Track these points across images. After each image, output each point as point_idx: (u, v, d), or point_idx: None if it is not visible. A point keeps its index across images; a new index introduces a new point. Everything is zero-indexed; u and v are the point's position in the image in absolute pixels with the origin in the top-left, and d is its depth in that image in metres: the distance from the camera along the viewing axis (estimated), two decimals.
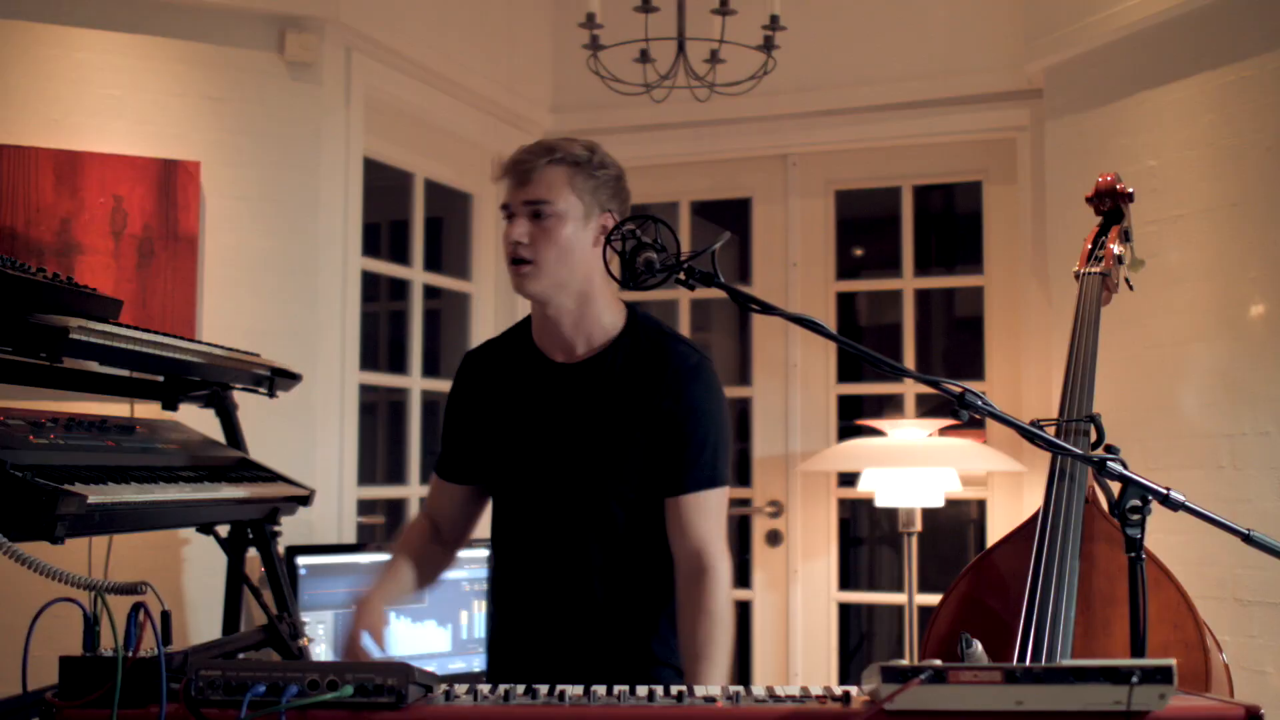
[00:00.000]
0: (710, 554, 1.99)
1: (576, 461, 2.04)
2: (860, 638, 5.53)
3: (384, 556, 3.41)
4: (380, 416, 5.66)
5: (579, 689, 1.38)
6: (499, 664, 2.18)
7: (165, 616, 1.40)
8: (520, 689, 1.38)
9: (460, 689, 1.39)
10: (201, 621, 3.23)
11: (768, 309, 1.70)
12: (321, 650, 3.24)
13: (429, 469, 4.62)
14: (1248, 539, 1.50)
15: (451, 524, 2.22)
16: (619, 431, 2.03)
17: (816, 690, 1.38)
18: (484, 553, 3.60)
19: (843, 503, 4.49)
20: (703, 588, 1.97)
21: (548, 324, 2.08)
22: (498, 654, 2.20)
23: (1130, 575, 1.48)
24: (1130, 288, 2.60)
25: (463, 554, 3.54)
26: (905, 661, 1.28)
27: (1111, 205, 2.56)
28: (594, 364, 2.07)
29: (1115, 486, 1.49)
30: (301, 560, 3.25)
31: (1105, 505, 1.84)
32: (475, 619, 3.56)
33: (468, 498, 2.21)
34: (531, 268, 2.00)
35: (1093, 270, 2.43)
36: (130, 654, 1.31)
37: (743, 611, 4.74)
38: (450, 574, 3.53)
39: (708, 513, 2.01)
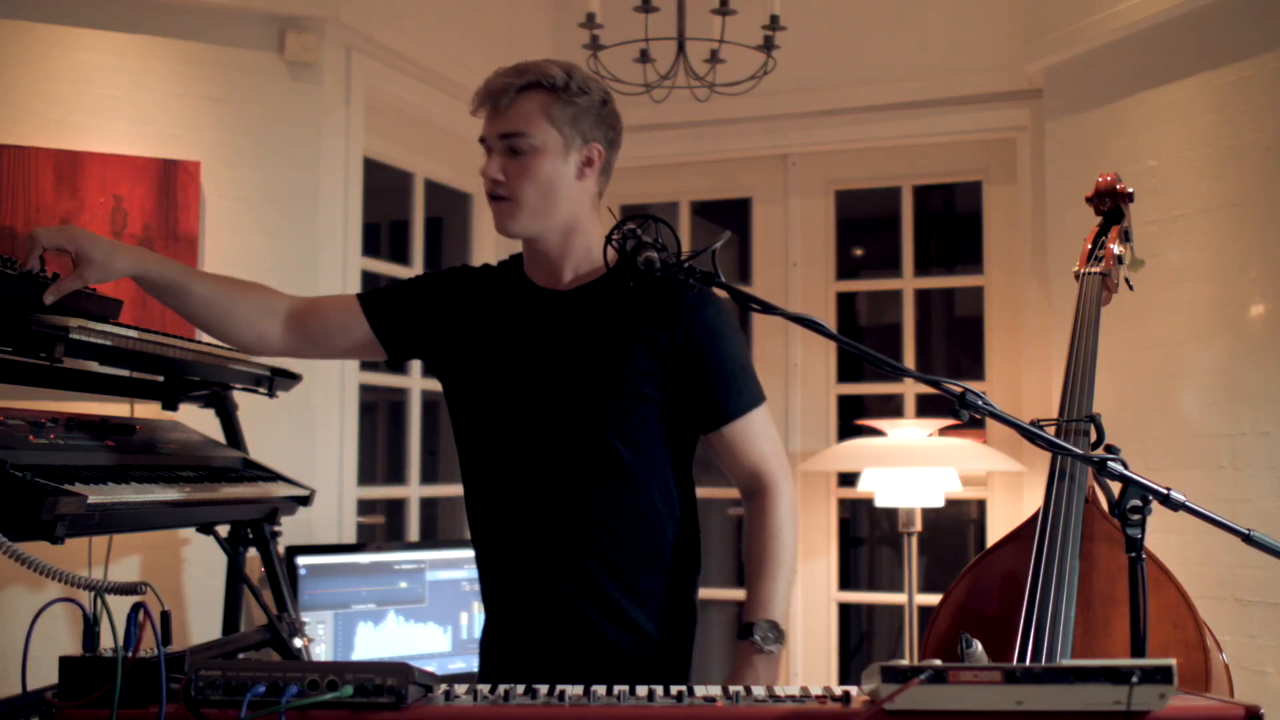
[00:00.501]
0: (768, 471, 1.93)
1: (569, 390, 1.89)
2: (860, 638, 5.53)
3: (383, 556, 3.42)
4: (380, 416, 5.66)
5: (579, 689, 1.38)
6: (494, 628, 2.01)
7: (165, 616, 1.40)
8: (520, 689, 1.38)
9: (460, 689, 1.39)
10: (201, 621, 3.23)
11: (768, 309, 1.70)
12: (321, 650, 3.24)
13: (429, 469, 4.63)
14: (1248, 539, 1.50)
15: (311, 322, 2.04)
16: (617, 359, 1.89)
17: (816, 690, 1.38)
18: None
19: (843, 503, 4.49)
20: (763, 505, 1.92)
21: (535, 253, 1.97)
22: (492, 615, 2.02)
23: (1130, 575, 1.49)
24: (1130, 288, 2.60)
25: (462, 554, 3.58)
26: (905, 661, 1.28)
27: (1111, 205, 2.56)
28: (586, 291, 1.94)
29: (1115, 486, 1.49)
30: (301, 560, 3.25)
31: (1105, 505, 1.84)
32: (475, 619, 3.56)
33: (356, 331, 2.03)
34: (510, 205, 1.89)
35: (1093, 270, 2.43)
36: (130, 654, 1.31)
37: (743, 611, 4.74)
38: (450, 574, 3.54)
39: (757, 434, 1.94)
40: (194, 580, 3.29)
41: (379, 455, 5.42)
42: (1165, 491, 1.47)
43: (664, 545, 1.94)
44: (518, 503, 1.92)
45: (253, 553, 2.88)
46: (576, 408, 1.89)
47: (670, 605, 1.94)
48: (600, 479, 1.89)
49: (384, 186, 4.21)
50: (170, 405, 2.79)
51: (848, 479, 4.32)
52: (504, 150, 1.90)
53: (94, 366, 2.51)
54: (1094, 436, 2.15)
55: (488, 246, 4.52)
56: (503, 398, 1.94)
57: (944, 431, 4.01)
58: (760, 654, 1.83)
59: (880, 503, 3.94)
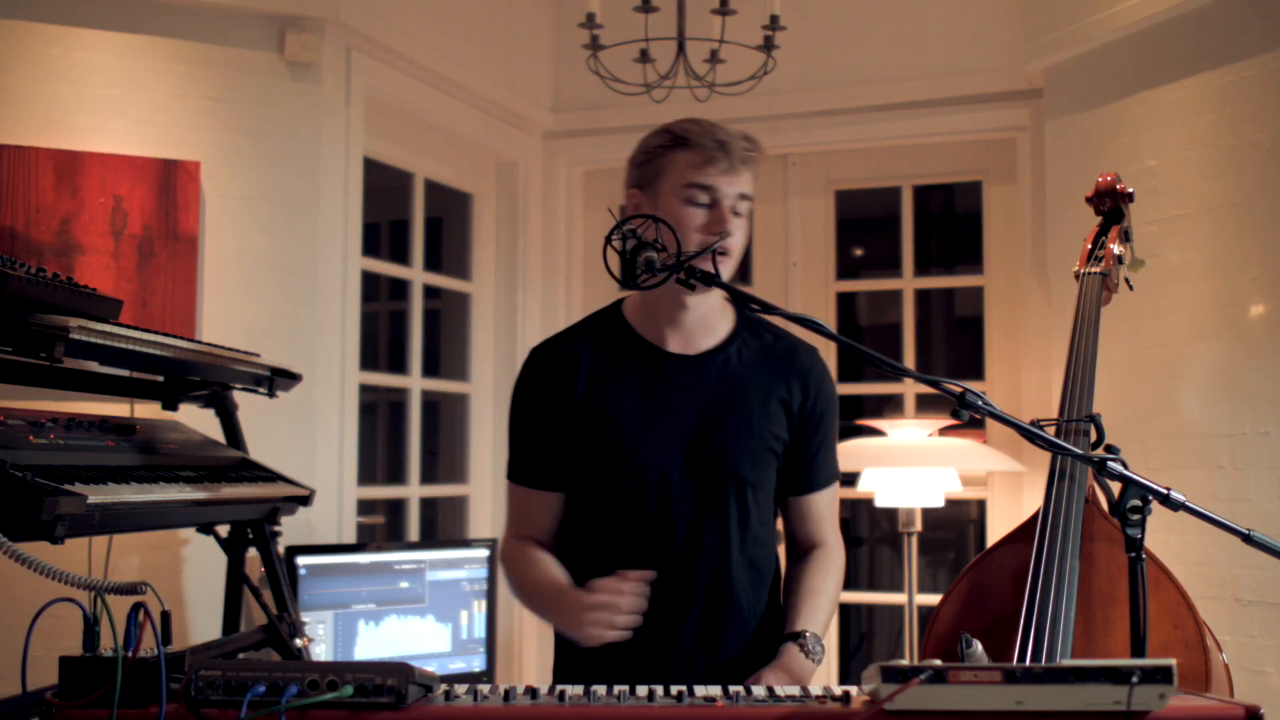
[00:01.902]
0: (832, 539, 2.07)
1: (708, 453, 1.95)
2: (860, 638, 5.53)
3: (383, 556, 3.42)
4: (380, 416, 5.66)
5: (579, 689, 1.38)
6: (589, 661, 1.92)
7: (165, 616, 1.40)
8: (520, 688, 1.38)
9: (460, 689, 1.39)
10: (201, 621, 3.23)
11: (768, 309, 1.70)
12: (321, 650, 3.24)
13: (429, 469, 4.63)
14: (1248, 539, 1.50)
15: (550, 540, 2.03)
16: (758, 421, 1.97)
17: (816, 690, 1.38)
18: (483, 553, 3.62)
19: (843, 503, 4.48)
20: (823, 555, 2.04)
21: (678, 315, 1.98)
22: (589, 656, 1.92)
23: (1130, 575, 1.49)
24: (1130, 288, 2.60)
25: (462, 554, 3.58)
26: (905, 661, 1.28)
27: (1111, 205, 2.56)
28: (719, 355, 2.00)
29: (1115, 486, 1.49)
30: (301, 560, 3.25)
31: (1105, 505, 1.84)
32: (475, 619, 3.56)
33: (559, 506, 2.03)
34: (726, 259, 1.91)
35: (1093, 270, 2.43)
36: (130, 654, 1.31)
37: None
38: (450, 574, 3.54)
39: (834, 505, 2.10)
40: (194, 580, 3.29)
41: (379, 455, 5.43)
42: (1165, 491, 1.47)
43: (771, 587, 2.05)
44: (658, 559, 1.94)
45: (253, 553, 2.88)
46: (722, 469, 1.96)
47: (770, 638, 1.99)
48: (739, 535, 1.98)
49: (384, 186, 4.21)
50: (170, 405, 2.79)
51: (848, 479, 4.31)
52: (732, 209, 1.92)
53: (94, 366, 2.51)
54: (1094, 436, 2.15)
55: (488, 246, 4.53)
56: (647, 458, 1.95)
57: (944, 431, 4.01)
58: (806, 658, 1.88)
59: (880, 503, 3.94)
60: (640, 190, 1.96)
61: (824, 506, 2.06)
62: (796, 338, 2.07)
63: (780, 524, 2.11)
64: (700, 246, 1.82)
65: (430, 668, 1.42)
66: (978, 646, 1.53)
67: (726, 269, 1.90)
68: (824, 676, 4.25)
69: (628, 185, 2.00)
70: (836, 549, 2.07)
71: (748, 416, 1.97)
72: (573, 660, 1.97)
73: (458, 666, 3.53)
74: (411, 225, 4.21)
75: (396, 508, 4.39)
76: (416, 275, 4.23)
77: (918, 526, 3.91)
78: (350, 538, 3.67)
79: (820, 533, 2.06)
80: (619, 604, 1.79)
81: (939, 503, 3.90)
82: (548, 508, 2.02)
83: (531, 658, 4.39)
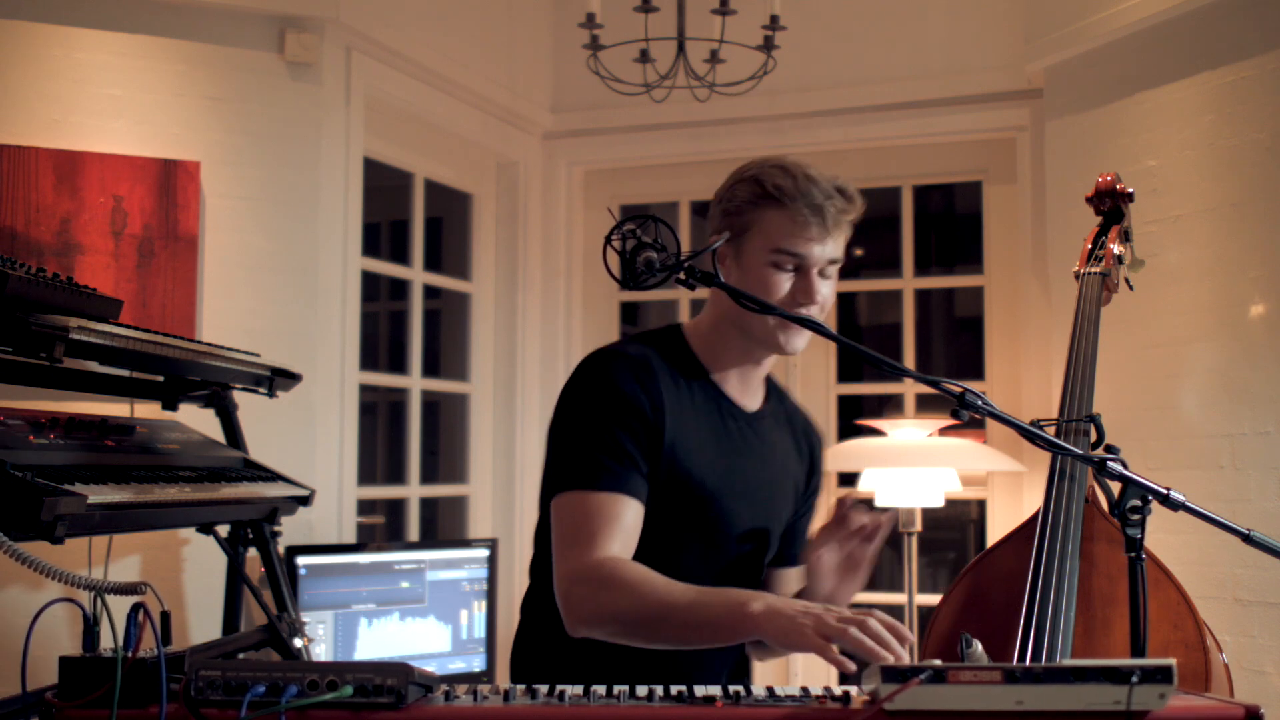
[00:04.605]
0: None
1: (760, 515, 1.94)
2: None
3: (383, 556, 3.42)
4: (380, 416, 5.67)
5: (579, 689, 1.38)
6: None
7: (165, 616, 1.40)
8: (520, 688, 1.38)
9: (460, 689, 1.39)
10: (201, 621, 3.23)
11: (767, 309, 1.70)
12: (321, 650, 3.24)
13: (429, 469, 4.63)
14: (1248, 539, 1.50)
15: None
16: (786, 491, 2.01)
17: (816, 690, 1.38)
18: (483, 553, 3.62)
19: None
20: None
21: (751, 369, 1.93)
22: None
23: (1130, 575, 1.49)
24: (1130, 288, 2.60)
25: (462, 554, 3.58)
26: (905, 661, 1.28)
27: (1111, 205, 2.56)
28: (768, 414, 1.99)
29: (1115, 486, 1.49)
30: (301, 560, 3.25)
31: (1105, 505, 1.84)
32: (475, 619, 3.56)
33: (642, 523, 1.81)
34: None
35: (1093, 270, 2.43)
36: (130, 654, 1.31)
37: None
38: (450, 574, 3.54)
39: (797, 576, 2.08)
40: (194, 580, 3.29)
41: (379, 455, 5.43)
42: (1165, 491, 1.47)
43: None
44: None
45: (253, 553, 2.88)
46: (766, 531, 1.96)
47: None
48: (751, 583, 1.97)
49: (384, 186, 4.21)
50: (170, 405, 2.79)
51: (848, 479, 4.32)
52: (821, 273, 1.84)
53: (94, 366, 2.51)
54: (1094, 436, 2.15)
55: (488, 246, 4.53)
56: (710, 505, 1.87)
57: (944, 431, 4.01)
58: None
59: (880, 503, 3.94)
60: (728, 242, 1.86)
61: (791, 582, 2.08)
62: (804, 410, 2.11)
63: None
64: (788, 307, 1.76)
65: (430, 668, 1.42)
66: (978, 646, 1.53)
67: (805, 335, 1.83)
68: (824, 677, 4.25)
69: (714, 228, 1.90)
70: None
71: (782, 487, 2.00)
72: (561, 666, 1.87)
73: (458, 666, 3.53)
74: (411, 225, 4.21)
75: (396, 508, 4.38)
76: (416, 275, 4.23)
77: (918, 526, 3.91)
78: (350, 538, 3.67)
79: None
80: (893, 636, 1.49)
81: (939, 503, 3.89)
82: (638, 521, 1.77)
83: None
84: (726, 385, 1.92)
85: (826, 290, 1.84)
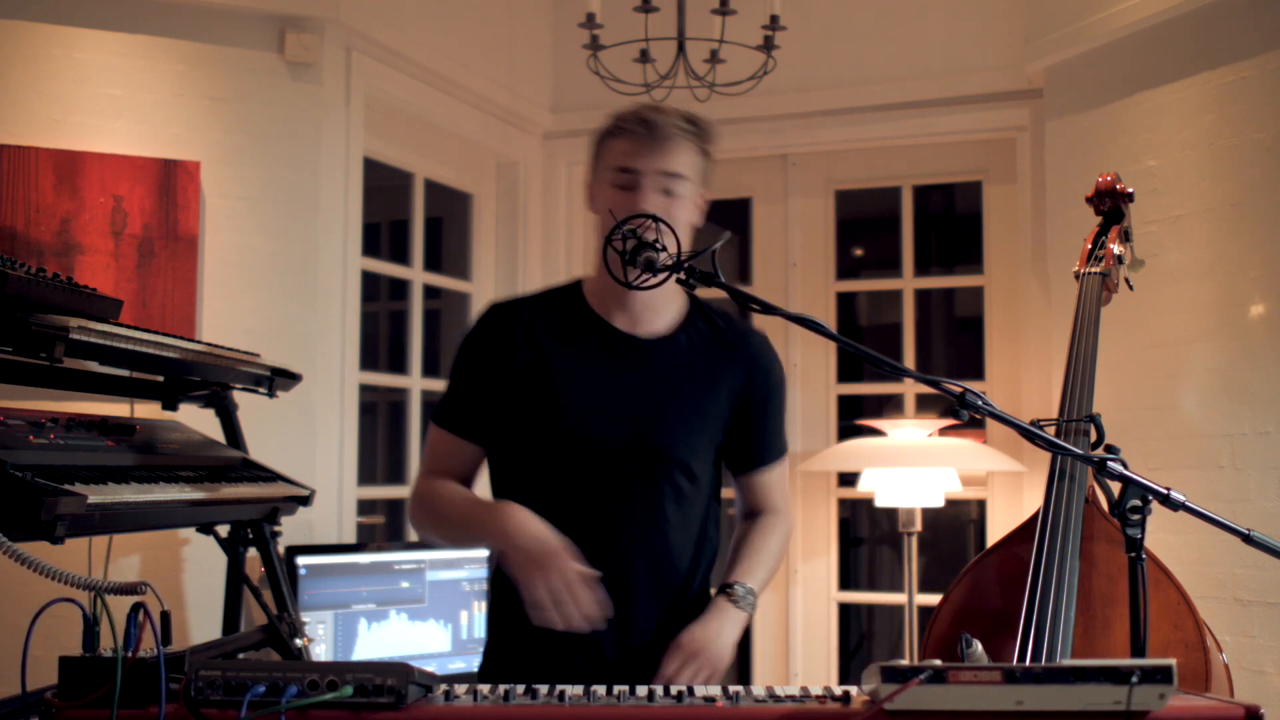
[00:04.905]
0: (785, 508, 2.16)
1: (650, 435, 1.98)
2: (860, 638, 5.53)
3: (383, 556, 3.42)
4: (380, 416, 5.66)
5: (579, 689, 1.38)
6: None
7: (165, 616, 1.40)
8: (520, 689, 1.38)
9: (460, 689, 1.39)
10: (201, 621, 3.23)
11: (768, 309, 1.70)
12: (322, 650, 3.24)
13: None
14: (1248, 539, 1.50)
15: (464, 484, 2.06)
16: (704, 404, 2.02)
17: (816, 690, 1.38)
18: (484, 553, 3.61)
19: (843, 503, 4.49)
20: (769, 519, 2.12)
21: (624, 296, 1.99)
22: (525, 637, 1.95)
23: (1130, 575, 1.49)
24: (1130, 288, 2.60)
25: (462, 554, 3.58)
26: (905, 661, 1.28)
27: (1111, 205, 2.56)
28: (673, 340, 2.03)
29: (1115, 486, 1.49)
30: (301, 560, 3.25)
31: (1105, 505, 1.84)
32: (475, 619, 3.56)
33: (477, 458, 2.06)
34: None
35: (1093, 270, 2.43)
36: (130, 654, 1.31)
37: None
38: (450, 574, 3.54)
39: (783, 478, 2.16)
40: (194, 580, 3.29)
41: (379, 455, 5.42)
42: (1165, 491, 1.47)
43: (709, 555, 2.09)
44: (588, 531, 1.93)
45: (253, 553, 2.88)
46: (662, 453, 1.99)
47: (698, 603, 2.03)
48: (678, 519, 2.01)
49: (384, 186, 4.21)
50: (170, 405, 2.79)
51: (848, 479, 4.32)
52: (659, 189, 1.91)
53: (94, 366, 2.51)
54: (1094, 436, 2.15)
55: (488, 246, 4.53)
56: (587, 434, 1.97)
57: (944, 431, 4.01)
58: (734, 607, 1.93)
59: (880, 503, 3.94)
60: (591, 181, 2.03)
61: (772, 479, 2.13)
62: (748, 325, 2.13)
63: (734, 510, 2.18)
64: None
65: (430, 668, 1.42)
66: (978, 646, 1.53)
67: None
68: (824, 676, 4.25)
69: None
70: (784, 513, 2.14)
71: (691, 404, 2.01)
72: (510, 633, 1.98)
73: (458, 666, 3.53)
74: (411, 225, 4.21)
75: (396, 508, 4.38)
76: (416, 275, 4.23)
77: (918, 526, 3.91)
78: (350, 538, 3.67)
79: (770, 501, 2.13)
80: (578, 604, 1.77)
81: (939, 503, 3.90)
82: (467, 457, 2.05)
83: None
84: (612, 318, 2.02)
85: (665, 205, 1.89)
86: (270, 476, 2.78)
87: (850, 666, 4.73)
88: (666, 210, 1.88)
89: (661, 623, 1.97)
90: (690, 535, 2.03)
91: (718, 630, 1.89)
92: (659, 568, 1.99)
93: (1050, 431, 1.99)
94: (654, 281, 1.68)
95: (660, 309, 2.03)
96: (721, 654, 1.88)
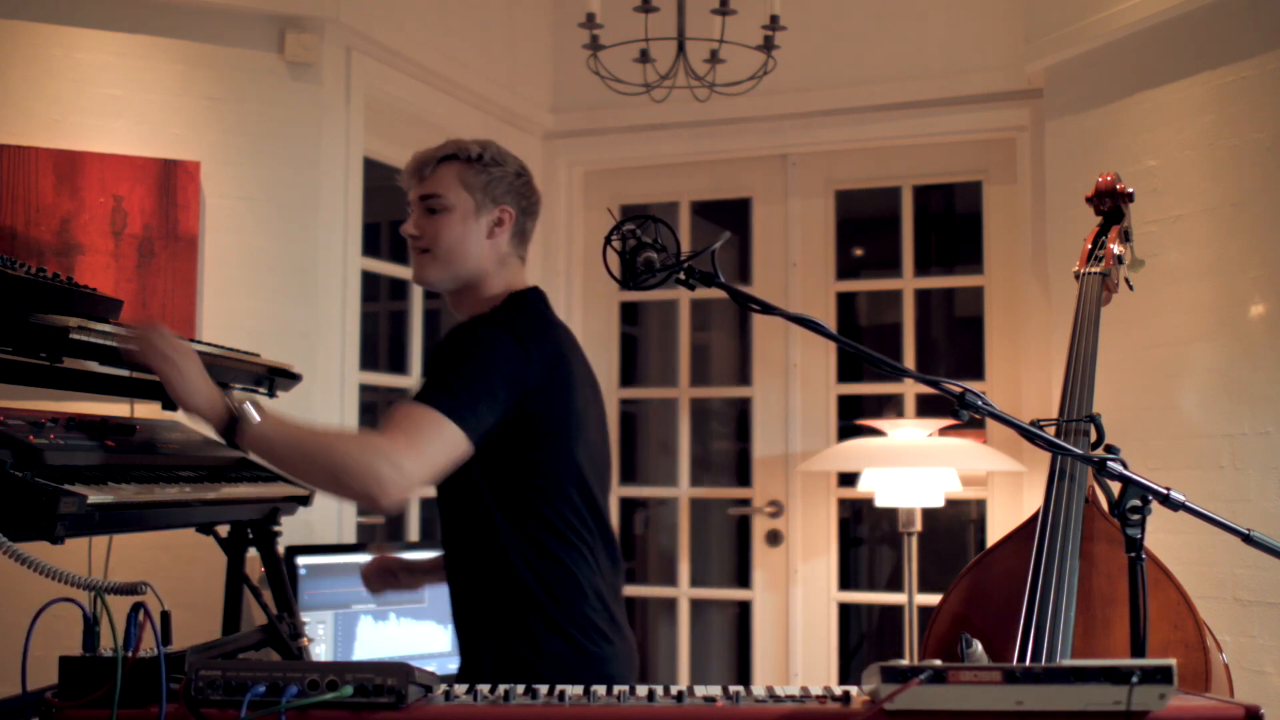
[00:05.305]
0: (387, 430, 1.95)
1: None
2: (860, 638, 5.53)
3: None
4: (380, 416, 5.65)
5: (579, 689, 1.38)
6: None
7: (165, 616, 1.40)
8: (520, 689, 1.38)
9: (460, 689, 1.39)
10: (201, 621, 3.23)
11: (768, 309, 1.70)
12: (321, 650, 3.24)
13: None
14: (1248, 539, 1.50)
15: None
16: None
17: (816, 690, 1.38)
18: None
19: (843, 503, 4.49)
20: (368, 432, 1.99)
21: (449, 302, 2.22)
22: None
23: (1130, 575, 1.49)
24: (1130, 288, 2.60)
25: None
26: (905, 661, 1.28)
27: (1111, 205, 2.56)
28: None
29: (1115, 486, 1.49)
30: (301, 560, 3.25)
31: (1105, 505, 1.84)
32: None
33: None
34: (428, 257, 2.15)
35: (1093, 270, 2.43)
36: (130, 654, 1.31)
37: (743, 611, 4.74)
38: None
39: (409, 416, 1.96)
40: (194, 580, 3.28)
41: None
42: (1165, 491, 1.47)
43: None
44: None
45: (253, 553, 2.87)
46: None
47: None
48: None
49: (384, 186, 4.20)
50: (170, 405, 2.77)
51: (848, 479, 4.32)
52: (423, 210, 2.17)
53: (94, 366, 2.51)
54: (1094, 436, 2.15)
55: None
56: None
57: (944, 431, 4.01)
58: (225, 398, 2.03)
59: (880, 503, 3.94)
60: None
61: (396, 411, 2.00)
62: (485, 316, 2.10)
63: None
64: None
65: (430, 668, 1.42)
66: (978, 646, 1.54)
67: (430, 267, 2.15)
68: (824, 676, 4.26)
69: None
70: (372, 434, 1.96)
71: None
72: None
73: (458, 666, 3.52)
74: None
75: None
76: None
77: (918, 526, 3.91)
78: (350, 538, 3.67)
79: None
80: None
81: (939, 503, 3.90)
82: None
83: None
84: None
85: (428, 227, 2.15)
86: (270, 476, 2.77)
87: (850, 666, 4.73)
88: (430, 226, 2.15)
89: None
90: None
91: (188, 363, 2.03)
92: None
93: (1050, 431, 1.99)
94: (654, 282, 1.68)
95: (471, 312, 2.17)
96: (166, 348, 2.03)
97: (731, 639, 5.18)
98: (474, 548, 2.07)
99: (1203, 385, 3.32)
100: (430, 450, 1.91)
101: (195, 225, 3.35)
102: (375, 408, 5.54)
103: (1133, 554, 1.47)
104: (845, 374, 4.46)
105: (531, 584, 2.02)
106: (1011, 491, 4.08)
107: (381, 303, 5.59)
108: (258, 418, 1.97)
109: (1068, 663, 1.38)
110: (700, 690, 1.38)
